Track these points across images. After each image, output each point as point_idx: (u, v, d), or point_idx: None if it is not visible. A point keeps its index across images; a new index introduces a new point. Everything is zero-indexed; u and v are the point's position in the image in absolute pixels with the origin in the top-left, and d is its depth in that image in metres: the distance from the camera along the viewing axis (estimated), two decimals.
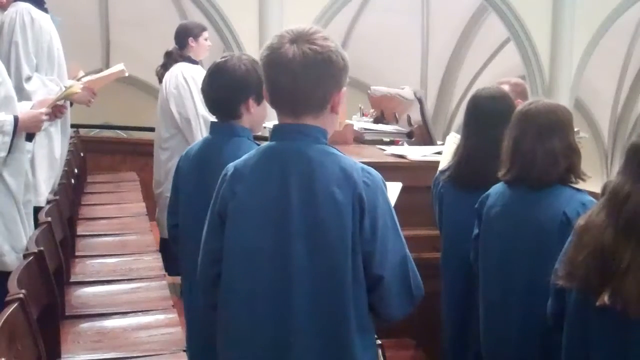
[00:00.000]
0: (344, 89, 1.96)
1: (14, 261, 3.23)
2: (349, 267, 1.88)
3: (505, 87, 3.63)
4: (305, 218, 1.89)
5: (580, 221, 2.26)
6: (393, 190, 2.68)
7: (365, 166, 1.95)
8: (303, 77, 1.86)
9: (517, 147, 2.71)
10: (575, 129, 2.80)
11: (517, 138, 2.71)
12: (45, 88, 4.07)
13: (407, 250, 1.98)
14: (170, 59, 5.24)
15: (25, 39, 4.00)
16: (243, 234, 1.95)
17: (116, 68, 4.48)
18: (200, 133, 4.94)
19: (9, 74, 3.80)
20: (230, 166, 2.03)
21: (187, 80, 5.08)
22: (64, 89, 4.04)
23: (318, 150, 1.91)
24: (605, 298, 2.07)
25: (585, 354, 2.21)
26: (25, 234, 3.34)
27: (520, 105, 2.83)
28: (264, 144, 2.02)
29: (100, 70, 11.58)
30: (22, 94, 3.89)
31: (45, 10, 4.28)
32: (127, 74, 4.48)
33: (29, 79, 4.03)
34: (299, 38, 1.87)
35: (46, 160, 4.15)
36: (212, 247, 2.03)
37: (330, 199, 1.87)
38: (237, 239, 1.96)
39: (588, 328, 2.20)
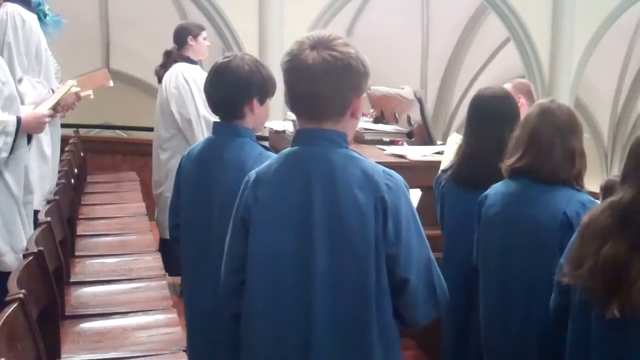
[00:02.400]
0: (365, 94, 1.97)
1: (13, 261, 3.23)
2: (373, 270, 1.87)
3: (508, 85, 3.63)
4: (327, 221, 1.89)
5: (585, 220, 2.26)
6: (413, 197, 2.67)
7: (387, 169, 1.95)
8: (323, 83, 1.87)
9: (535, 138, 2.69)
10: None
11: (535, 129, 2.69)
12: (34, 90, 4.05)
13: (432, 254, 1.97)
14: (169, 59, 5.24)
15: (17, 40, 4.00)
16: (266, 240, 1.95)
17: (100, 74, 4.50)
18: (202, 133, 4.94)
19: None
20: (253, 173, 2.03)
21: (188, 80, 5.08)
22: (51, 91, 4.04)
23: (340, 154, 1.92)
24: (615, 311, 2.07)
25: (586, 351, 2.21)
26: (25, 234, 3.34)
27: (540, 101, 2.83)
28: (286, 149, 2.02)
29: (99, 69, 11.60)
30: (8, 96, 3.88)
31: (33, 11, 4.28)
32: (111, 84, 4.51)
33: (20, 80, 4.02)
34: (319, 44, 1.88)
35: (36, 163, 4.14)
36: (236, 254, 2.03)
37: (352, 202, 1.88)
38: (260, 245, 1.96)
39: (589, 327, 2.20)
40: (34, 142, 3.95)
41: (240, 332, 2.05)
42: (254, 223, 1.97)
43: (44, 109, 3.58)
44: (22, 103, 3.83)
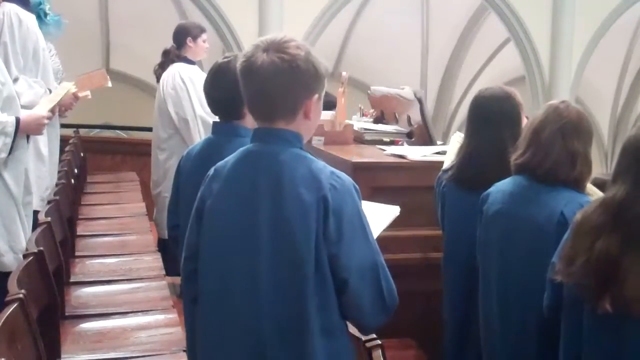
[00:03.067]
0: (316, 96, 1.99)
1: (12, 261, 3.24)
2: (312, 266, 1.90)
3: None
4: (271, 217, 1.93)
5: (578, 218, 2.26)
6: (388, 213, 2.67)
7: (337, 171, 1.98)
8: (271, 84, 1.93)
9: (536, 135, 2.69)
10: None
11: (537, 127, 2.70)
12: (31, 90, 4.04)
13: (381, 258, 1.98)
14: (167, 58, 5.24)
15: (13, 40, 4.00)
16: (214, 232, 2.02)
17: (99, 74, 4.50)
18: (199, 134, 4.95)
19: None
20: (213, 168, 2.11)
21: (185, 80, 5.08)
22: (48, 91, 4.04)
23: (290, 154, 1.97)
24: (607, 305, 2.07)
25: (578, 347, 2.22)
26: (24, 235, 3.34)
27: (552, 101, 2.83)
28: (245, 146, 2.08)
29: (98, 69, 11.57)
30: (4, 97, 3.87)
31: (31, 11, 4.27)
32: (110, 85, 4.51)
33: (16, 80, 4.01)
34: (271, 47, 1.94)
35: (33, 164, 4.14)
36: (190, 242, 2.10)
37: (296, 200, 1.91)
38: (209, 235, 2.03)
39: (581, 324, 2.21)
40: (31, 142, 3.95)
41: (195, 314, 2.14)
42: (206, 214, 2.04)
43: (43, 110, 3.57)
44: (17, 103, 3.83)
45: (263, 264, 1.93)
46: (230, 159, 2.07)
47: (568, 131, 2.66)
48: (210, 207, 2.03)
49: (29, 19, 4.13)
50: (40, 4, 4.71)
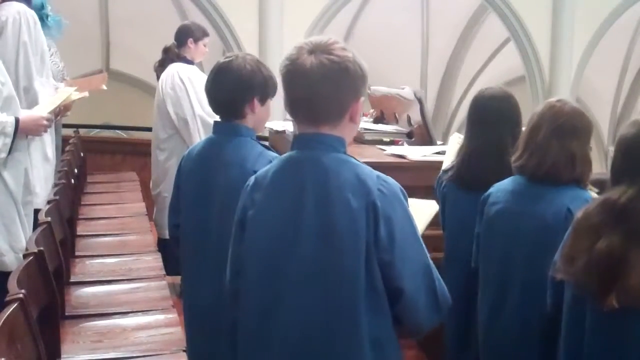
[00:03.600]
0: (362, 98, 1.96)
1: (12, 261, 3.24)
2: (362, 274, 1.86)
3: None
4: (318, 224, 1.88)
5: (578, 217, 2.26)
6: (427, 208, 2.64)
7: (384, 175, 1.94)
8: (320, 86, 1.88)
9: (532, 136, 2.69)
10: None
11: (534, 128, 2.70)
12: (44, 89, 4.07)
13: (430, 261, 1.95)
14: (167, 56, 5.24)
15: (31, 40, 4.00)
16: (259, 243, 1.96)
17: (100, 77, 4.51)
18: (198, 133, 4.95)
19: (18, 74, 3.81)
20: (253, 177, 2.05)
21: (184, 80, 5.08)
22: (53, 92, 4.05)
23: (335, 159, 1.92)
24: (614, 302, 2.07)
25: (580, 346, 2.22)
26: (24, 234, 3.34)
27: (549, 100, 2.82)
28: (286, 153, 2.03)
29: (100, 71, 11.60)
30: (30, 94, 3.89)
31: (33, 9, 4.28)
32: (104, 88, 4.52)
33: (36, 79, 4.03)
34: (317, 48, 1.89)
35: (41, 163, 4.15)
36: (235, 256, 2.04)
37: (344, 206, 1.87)
38: (253, 247, 1.97)
39: (583, 322, 2.20)
40: (38, 142, 3.97)
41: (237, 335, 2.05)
42: (249, 225, 1.98)
43: (44, 111, 3.58)
44: (37, 102, 3.84)
45: (310, 275, 1.88)
46: (271, 167, 2.01)
47: (564, 132, 2.65)
48: (253, 217, 1.97)
49: (37, 19, 4.15)
50: (42, 7, 4.72)
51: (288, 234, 1.91)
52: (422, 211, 2.61)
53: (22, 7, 4.02)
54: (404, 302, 1.90)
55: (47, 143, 4.23)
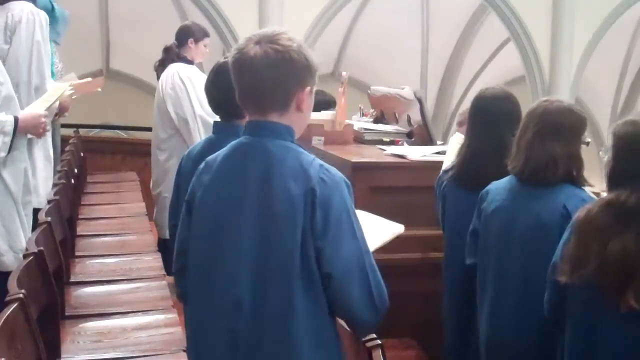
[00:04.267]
0: (309, 88, 1.99)
1: (12, 261, 3.23)
2: (297, 260, 1.89)
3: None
4: (258, 210, 1.92)
5: (579, 217, 2.25)
6: (390, 229, 2.66)
7: (327, 165, 1.98)
8: (263, 75, 1.93)
9: (521, 136, 2.71)
10: (587, 140, 2.78)
11: (522, 128, 2.72)
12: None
13: (370, 258, 1.97)
14: (167, 56, 5.24)
15: (44, 39, 4.01)
16: (201, 224, 2.01)
17: (98, 80, 4.52)
18: (199, 133, 4.95)
19: (30, 73, 3.81)
20: (205, 161, 2.10)
21: (184, 80, 5.08)
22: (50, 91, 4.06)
23: (280, 146, 1.96)
24: (632, 302, 2.07)
25: (592, 349, 2.21)
26: (24, 234, 3.34)
27: (540, 99, 2.82)
28: (236, 140, 2.07)
29: (100, 72, 11.61)
30: (40, 93, 3.89)
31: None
32: (99, 89, 4.53)
33: (48, 78, 4.05)
34: (263, 39, 1.95)
35: (43, 161, 4.16)
36: (181, 236, 2.09)
37: (284, 192, 1.91)
38: (196, 229, 2.02)
39: (591, 323, 2.20)
40: (40, 141, 3.97)
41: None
42: (195, 207, 2.03)
43: (40, 109, 3.57)
44: None
45: (248, 259, 1.92)
46: (221, 152, 2.06)
47: (547, 132, 2.66)
48: (199, 200, 2.02)
49: (48, 20, 4.16)
50: (52, 9, 4.75)
51: (229, 218, 1.95)
52: (385, 229, 2.63)
53: (33, 6, 4.02)
54: (334, 287, 1.92)
55: (49, 142, 4.24)
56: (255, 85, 1.96)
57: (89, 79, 4.84)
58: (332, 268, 1.91)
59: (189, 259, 2.04)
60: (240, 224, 1.94)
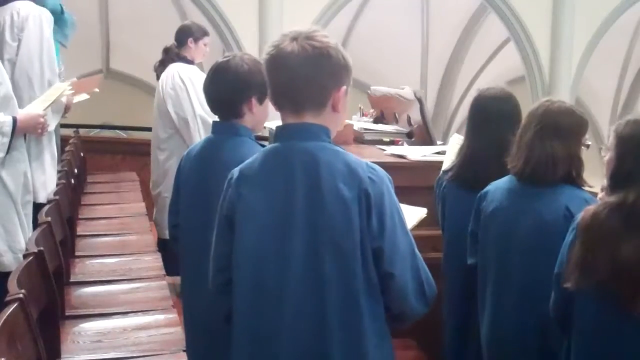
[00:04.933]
0: (344, 87, 1.95)
1: (11, 261, 3.24)
2: (359, 263, 1.86)
3: None
4: (311, 217, 1.87)
5: (585, 221, 2.24)
6: (414, 213, 2.65)
7: (371, 163, 1.94)
8: (300, 70, 1.88)
9: (522, 136, 2.71)
10: (587, 142, 2.78)
11: (523, 128, 2.72)
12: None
13: (416, 248, 1.96)
14: (167, 56, 5.25)
15: (51, 36, 4.03)
16: (249, 237, 1.93)
17: (96, 78, 4.52)
18: (198, 133, 4.95)
19: (43, 68, 3.84)
20: (235, 170, 2.02)
21: (184, 80, 5.08)
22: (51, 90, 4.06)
23: (322, 148, 1.91)
24: None
25: (602, 356, 2.20)
26: (23, 234, 3.34)
27: (541, 100, 2.82)
28: (269, 145, 2.02)
29: (100, 72, 11.58)
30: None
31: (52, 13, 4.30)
32: (97, 90, 4.55)
33: (57, 73, 4.07)
34: (299, 35, 1.90)
35: (50, 159, 4.17)
36: (221, 252, 2.02)
37: (336, 196, 1.86)
38: (244, 242, 1.95)
39: (606, 327, 2.19)
40: (45, 141, 3.99)
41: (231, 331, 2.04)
42: (238, 221, 1.96)
43: (39, 109, 3.58)
44: None
45: (306, 268, 1.86)
46: (255, 159, 1.99)
47: (547, 132, 2.65)
48: (242, 211, 1.95)
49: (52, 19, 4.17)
50: (62, 12, 4.77)
51: (280, 228, 1.90)
52: (409, 214, 2.61)
53: (34, 6, 4.04)
54: (395, 286, 1.91)
55: (53, 141, 4.25)
56: (292, 81, 1.90)
57: (83, 79, 4.86)
58: (393, 267, 1.89)
59: (235, 274, 1.97)
60: (293, 234, 1.88)
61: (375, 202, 1.87)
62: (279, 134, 1.98)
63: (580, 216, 2.28)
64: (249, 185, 1.96)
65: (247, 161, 2.02)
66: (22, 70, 3.81)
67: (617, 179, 2.22)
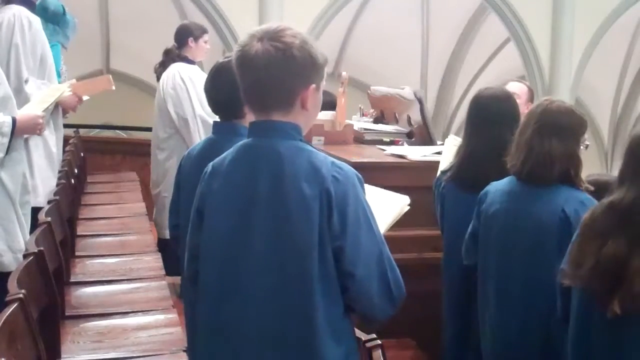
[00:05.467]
0: (313, 85, 1.95)
1: (11, 261, 3.24)
2: (315, 262, 1.86)
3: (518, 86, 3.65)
4: (272, 213, 1.89)
5: (586, 220, 2.25)
6: (396, 202, 2.64)
7: (338, 161, 1.95)
8: (265, 73, 1.89)
9: (521, 135, 2.72)
10: (586, 142, 2.78)
11: (522, 127, 2.73)
12: (39, 91, 4.08)
13: (386, 249, 1.95)
14: (168, 57, 5.26)
15: (24, 42, 4.03)
16: (213, 230, 1.98)
17: (103, 79, 4.52)
18: (198, 133, 4.96)
19: (8, 76, 3.82)
20: (210, 164, 2.06)
21: (185, 80, 5.09)
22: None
23: (289, 146, 1.93)
24: (616, 308, 2.06)
25: (588, 350, 2.21)
26: (22, 234, 3.34)
27: (540, 99, 2.83)
28: (241, 142, 2.04)
29: (100, 72, 11.58)
30: (21, 96, 3.90)
31: (35, 13, 4.30)
32: (113, 88, 4.55)
33: (26, 81, 4.04)
34: (266, 36, 1.90)
35: (44, 161, 4.16)
36: (192, 243, 2.06)
37: (298, 194, 1.87)
38: (208, 234, 1.99)
39: (590, 327, 2.20)
40: (41, 141, 3.98)
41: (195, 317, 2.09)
42: (207, 213, 2.00)
43: (38, 109, 3.58)
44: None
45: (264, 263, 1.89)
46: (227, 155, 2.02)
47: (546, 131, 2.66)
48: (210, 206, 1.99)
49: (37, 21, 4.17)
50: (64, 13, 4.77)
51: (243, 223, 1.92)
52: (390, 204, 2.59)
53: (20, 9, 4.05)
54: (356, 287, 1.90)
55: (51, 140, 4.24)
56: (258, 83, 1.92)
57: (94, 79, 4.86)
58: (354, 267, 1.89)
59: (200, 265, 2.00)
60: (254, 230, 1.90)
61: (337, 201, 1.87)
62: (250, 130, 2.00)
63: (584, 216, 2.30)
64: (218, 179, 1.99)
65: (220, 156, 2.05)
66: None
67: (619, 179, 2.23)
